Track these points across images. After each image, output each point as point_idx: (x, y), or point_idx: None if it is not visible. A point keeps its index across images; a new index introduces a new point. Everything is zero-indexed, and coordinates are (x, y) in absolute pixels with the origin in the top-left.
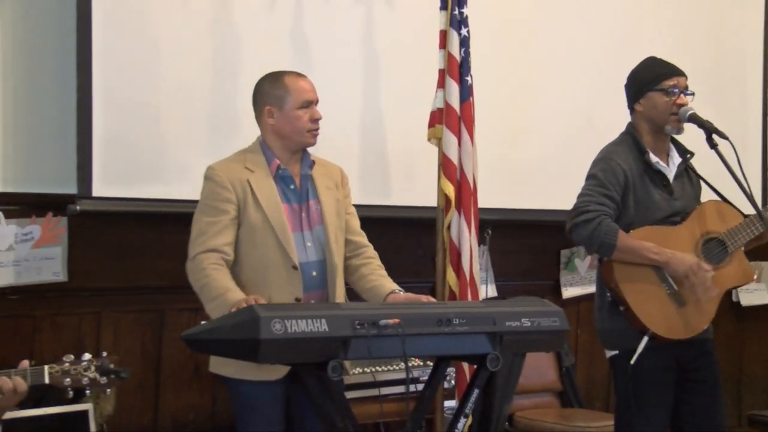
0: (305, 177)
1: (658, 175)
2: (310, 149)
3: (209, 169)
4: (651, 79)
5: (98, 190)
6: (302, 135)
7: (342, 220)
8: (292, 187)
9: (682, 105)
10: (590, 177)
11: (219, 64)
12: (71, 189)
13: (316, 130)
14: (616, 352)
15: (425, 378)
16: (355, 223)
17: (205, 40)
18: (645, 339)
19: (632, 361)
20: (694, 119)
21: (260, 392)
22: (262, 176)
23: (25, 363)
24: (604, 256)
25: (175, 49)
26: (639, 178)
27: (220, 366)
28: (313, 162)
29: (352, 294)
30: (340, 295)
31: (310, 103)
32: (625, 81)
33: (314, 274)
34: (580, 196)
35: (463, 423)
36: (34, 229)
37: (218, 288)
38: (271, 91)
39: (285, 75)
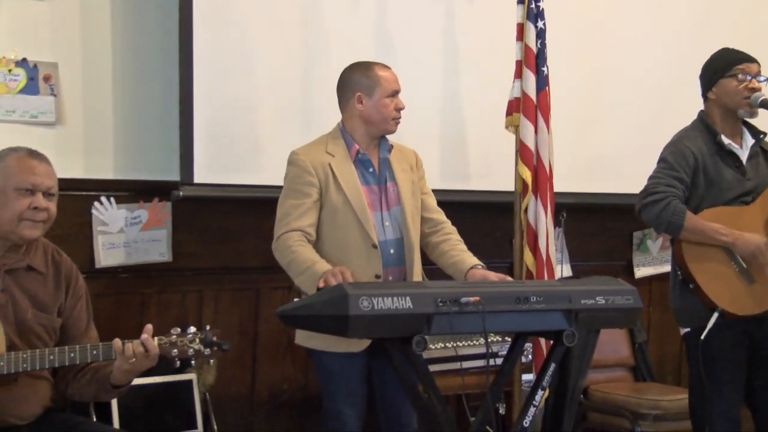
0: (383, 161)
1: (731, 156)
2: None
3: (293, 154)
4: (722, 67)
5: (199, 177)
6: (387, 122)
7: (417, 200)
8: (371, 170)
9: (754, 90)
10: (661, 160)
11: (308, 59)
12: (175, 176)
13: (399, 118)
14: (689, 329)
15: (504, 353)
16: (432, 201)
17: (295, 38)
18: (715, 316)
19: (702, 337)
20: (766, 104)
21: (343, 364)
22: (343, 160)
23: (150, 327)
24: (672, 236)
25: (268, 47)
26: (710, 159)
27: (306, 339)
28: (391, 146)
29: (428, 272)
30: (417, 271)
31: (396, 93)
32: (698, 69)
33: (392, 251)
34: (650, 178)
35: (540, 395)
36: (142, 213)
37: (305, 261)
38: (362, 80)
39: (375, 65)
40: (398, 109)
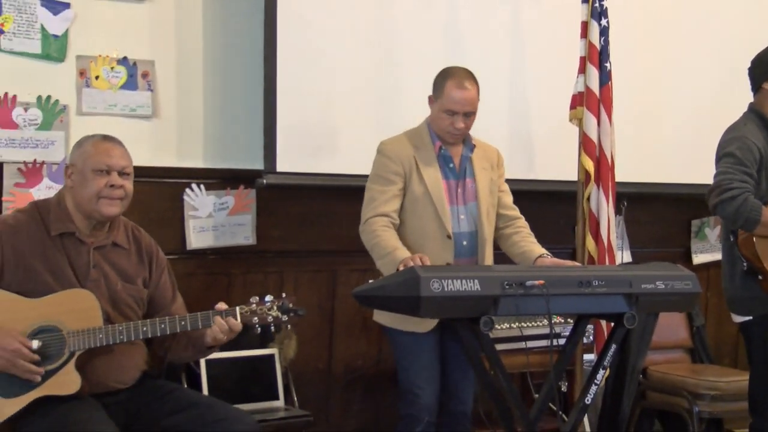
0: (465, 158)
1: None
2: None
3: (381, 144)
4: None
5: (282, 165)
6: (443, 132)
7: (494, 197)
8: (451, 165)
9: None
10: (727, 155)
11: (382, 55)
12: (259, 165)
13: (456, 134)
14: (750, 318)
15: (567, 334)
16: (508, 199)
17: (370, 35)
18: None
19: None
20: None
21: (416, 340)
22: (426, 154)
23: (222, 305)
24: (747, 230)
25: (345, 45)
26: None
27: (382, 316)
28: (474, 146)
29: (496, 260)
30: (488, 264)
31: (455, 113)
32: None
33: (465, 243)
34: (720, 173)
35: (601, 374)
36: (229, 200)
37: (387, 247)
38: (437, 85)
39: (450, 78)
40: (454, 127)
